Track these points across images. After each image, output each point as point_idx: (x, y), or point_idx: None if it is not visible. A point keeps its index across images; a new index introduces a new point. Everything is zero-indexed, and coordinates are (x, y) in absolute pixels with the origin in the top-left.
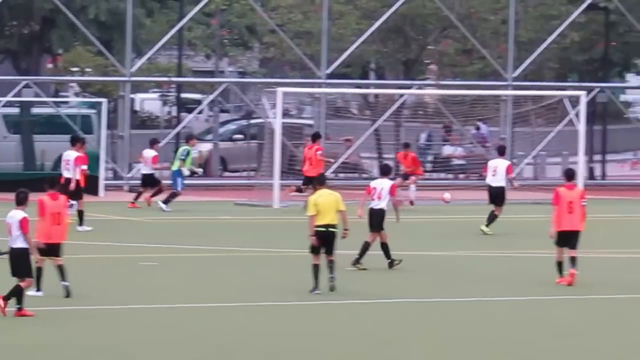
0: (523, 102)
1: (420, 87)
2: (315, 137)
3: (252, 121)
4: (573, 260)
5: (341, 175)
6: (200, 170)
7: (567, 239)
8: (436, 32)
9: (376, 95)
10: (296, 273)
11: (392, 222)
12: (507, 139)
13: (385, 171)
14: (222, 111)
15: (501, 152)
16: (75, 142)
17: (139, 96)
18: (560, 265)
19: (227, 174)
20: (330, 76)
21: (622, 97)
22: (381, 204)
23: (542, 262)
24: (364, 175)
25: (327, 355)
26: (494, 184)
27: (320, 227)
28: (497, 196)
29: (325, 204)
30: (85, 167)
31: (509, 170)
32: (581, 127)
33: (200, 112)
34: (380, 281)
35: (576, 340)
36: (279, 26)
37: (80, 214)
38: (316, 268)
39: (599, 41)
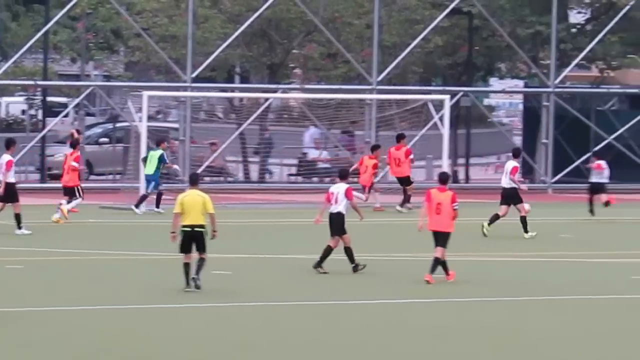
0: (387, 105)
1: (285, 90)
2: (400, 137)
3: (118, 125)
4: (435, 264)
5: (206, 179)
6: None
7: (435, 238)
8: (301, 36)
9: (241, 99)
10: (161, 275)
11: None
12: (371, 142)
13: (342, 175)
14: (88, 115)
15: (515, 154)
16: (10, 145)
17: (4, 100)
18: (436, 261)
19: (93, 177)
20: (196, 80)
21: (486, 101)
22: (338, 207)
23: (398, 265)
24: (229, 179)
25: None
26: (504, 185)
27: (185, 227)
28: (507, 197)
29: (190, 204)
30: (76, 164)
31: (512, 172)
32: (445, 130)
33: (66, 116)
34: (249, 283)
35: (436, 344)
36: (144, 30)
37: (17, 216)
38: (187, 267)
39: (463, 45)
